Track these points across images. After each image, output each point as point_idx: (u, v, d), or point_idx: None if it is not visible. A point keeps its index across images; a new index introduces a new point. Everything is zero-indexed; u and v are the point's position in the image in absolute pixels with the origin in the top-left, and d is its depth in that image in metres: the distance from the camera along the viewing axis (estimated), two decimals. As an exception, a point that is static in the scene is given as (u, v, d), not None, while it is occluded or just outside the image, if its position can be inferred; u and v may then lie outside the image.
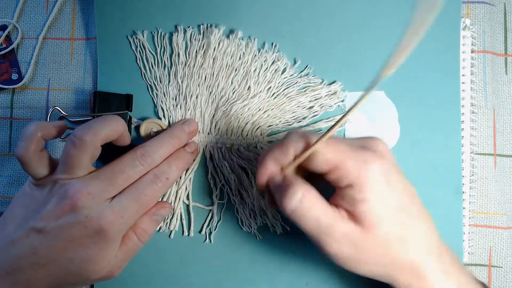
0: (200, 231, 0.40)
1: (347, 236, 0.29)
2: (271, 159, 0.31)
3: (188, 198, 0.40)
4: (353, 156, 0.29)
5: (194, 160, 0.39)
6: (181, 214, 0.40)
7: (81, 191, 0.31)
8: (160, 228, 0.40)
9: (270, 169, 0.31)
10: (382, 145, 0.30)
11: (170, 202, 0.40)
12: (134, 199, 0.32)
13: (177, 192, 0.40)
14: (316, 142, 0.29)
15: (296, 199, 0.28)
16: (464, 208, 0.40)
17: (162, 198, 0.40)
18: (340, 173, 0.29)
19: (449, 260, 0.31)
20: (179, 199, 0.40)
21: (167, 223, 0.40)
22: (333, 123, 0.40)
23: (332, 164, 0.29)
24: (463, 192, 0.40)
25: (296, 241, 0.39)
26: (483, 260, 0.40)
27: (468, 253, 0.40)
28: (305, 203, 0.28)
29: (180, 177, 0.40)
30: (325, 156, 0.29)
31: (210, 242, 0.40)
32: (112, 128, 0.33)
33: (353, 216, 0.29)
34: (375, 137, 0.31)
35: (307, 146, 0.29)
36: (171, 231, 0.40)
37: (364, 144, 0.30)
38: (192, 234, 0.40)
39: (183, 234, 0.40)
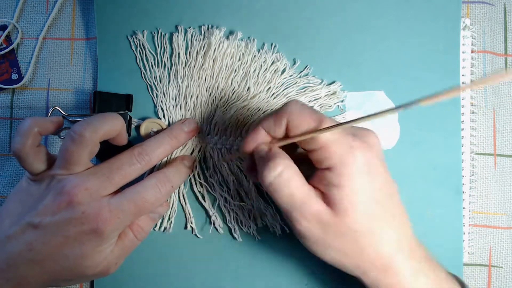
0: (194, 229, 0.40)
1: (317, 216, 0.29)
2: (264, 129, 0.31)
3: (204, 200, 0.40)
4: (341, 140, 0.28)
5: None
6: (187, 213, 0.40)
7: (79, 186, 0.31)
8: (158, 226, 0.40)
9: (260, 139, 0.31)
10: (373, 137, 0.30)
11: (172, 201, 0.40)
12: (134, 202, 0.32)
13: (179, 194, 0.40)
14: (322, 131, 0.28)
15: (276, 172, 0.28)
16: (464, 208, 0.40)
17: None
18: (324, 154, 0.29)
19: (419, 257, 0.31)
20: (186, 200, 0.40)
21: (161, 222, 0.40)
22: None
23: (319, 144, 0.29)
24: (463, 192, 0.40)
25: (296, 242, 0.39)
26: (483, 260, 0.40)
27: (468, 253, 0.40)
28: (283, 177, 0.28)
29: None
30: (318, 136, 0.29)
31: (209, 242, 0.40)
32: (111, 125, 0.33)
33: (326, 199, 0.29)
34: (369, 129, 0.31)
35: (310, 130, 0.29)
36: (165, 228, 0.40)
37: (356, 133, 0.30)
38: (192, 233, 0.40)
39: (185, 228, 0.40)
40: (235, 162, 0.39)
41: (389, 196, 0.30)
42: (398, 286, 0.30)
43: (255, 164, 0.31)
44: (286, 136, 0.31)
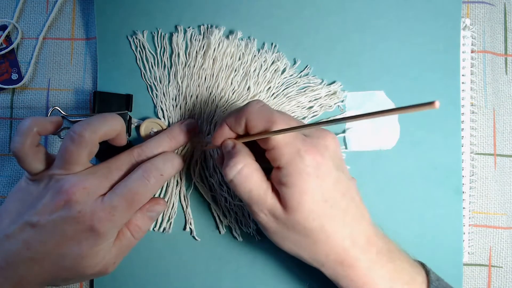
0: (192, 231, 0.40)
1: (271, 211, 0.31)
2: (227, 125, 0.33)
3: (209, 198, 0.40)
4: (291, 143, 0.30)
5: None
6: (187, 215, 0.40)
7: (77, 185, 0.31)
8: (157, 226, 0.40)
9: (225, 134, 0.33)
10: (328, 139, 0.32)
11: (172, 201, 0.40)
12: (123, 196, 0.32)
13: (179, 192, 0.40)
14: (279, 132, 0.29)
15: (236, 170, 0.31)
16: (464, 208, 0.40)
17: (161, 196, 0.40)
18: (275, 155, 0.30)
19: (378, 249, 0.32)
20: (187, 199, 0.40)
21: (161, 222, 0.40)
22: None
23: (272, 145, 0.30)
24: (463, 192, 0.40)
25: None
26: (483, 260, 0.40)
27: (468, 253, 0.40)
28: (242, 175, 0.31)
29: (181, 178, 0.40)
30: (271, 138, 0.30)
31: (209, 243, 0.40)
32: (111, 126, 0.33)
33: (279, 196, 0.31)
34: (326, 130, 0.33)
35: (266, 131, 0.30)
36: (164, 228, 0.40)
37: (311, 134, 0.32)
38: (191, 233, 0.40)
39: (184, 229, 0.40)
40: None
41: (341, 194, 0.31)
42: (354, 278, 0.31)
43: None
44: (248, 133, 0.32)
